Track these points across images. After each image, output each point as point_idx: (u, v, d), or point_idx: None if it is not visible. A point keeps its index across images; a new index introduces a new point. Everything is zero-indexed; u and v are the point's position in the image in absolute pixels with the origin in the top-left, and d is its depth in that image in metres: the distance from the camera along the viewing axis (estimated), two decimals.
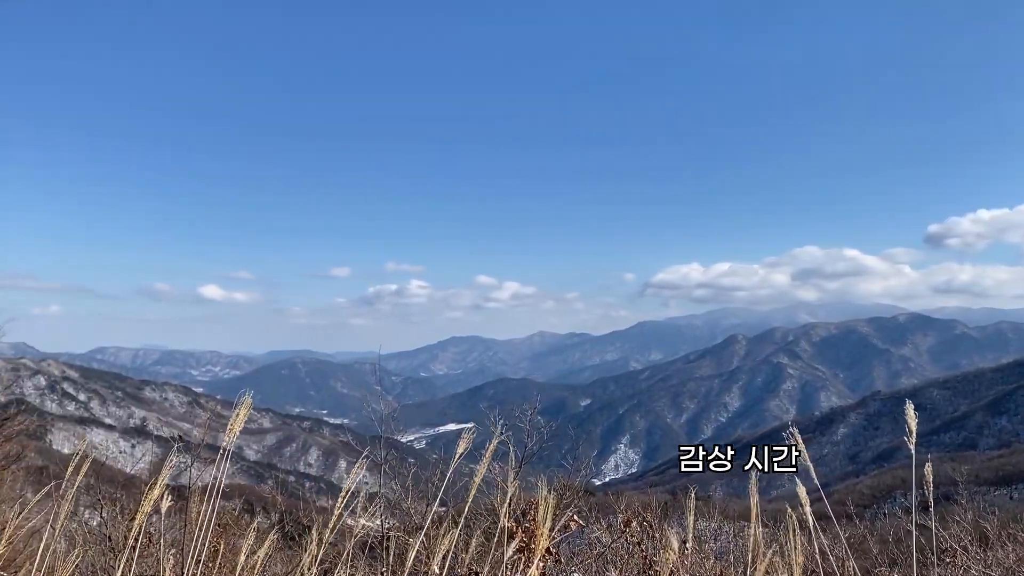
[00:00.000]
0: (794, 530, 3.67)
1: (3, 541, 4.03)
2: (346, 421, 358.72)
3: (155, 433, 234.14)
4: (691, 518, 4.18)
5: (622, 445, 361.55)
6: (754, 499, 3.53)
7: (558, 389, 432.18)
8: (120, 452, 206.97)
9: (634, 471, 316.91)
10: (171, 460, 4.12)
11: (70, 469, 3.67)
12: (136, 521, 3.25)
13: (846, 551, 6.17)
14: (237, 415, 3.33)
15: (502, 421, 8.43)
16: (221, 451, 3.50)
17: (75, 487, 3.58)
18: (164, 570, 3.69)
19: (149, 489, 3.41)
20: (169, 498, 3.83)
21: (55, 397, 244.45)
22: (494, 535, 4.03)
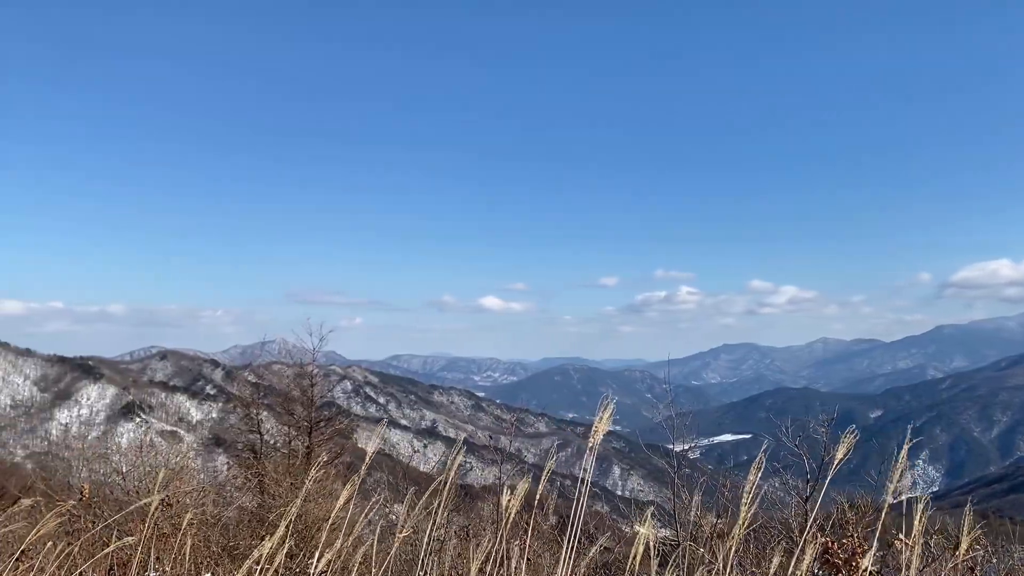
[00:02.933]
0: None
1: (327, 531, 4.47)
2: (618, 428, 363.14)
3: (443, 434, 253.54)
4: None
5: (920, 461, 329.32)
6: None
7: (844, 399, 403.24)
8: (415, 451, 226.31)
9: (935, 490, 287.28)
10: (455, 459, 4.31)
11: (425, 470, 3.96)
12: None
13: None
14: (600, 419, 3.41)
15: (787, 433, 7.97)
16: (589, 447, 3.58)
17: (418, 490, 3.85)
18: (469, 565, 3.87)
19: (443, 489, 3.58)
20: (461, 496, 4.03)
21: (359, 400, 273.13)
22: (791, 551, 3.77)
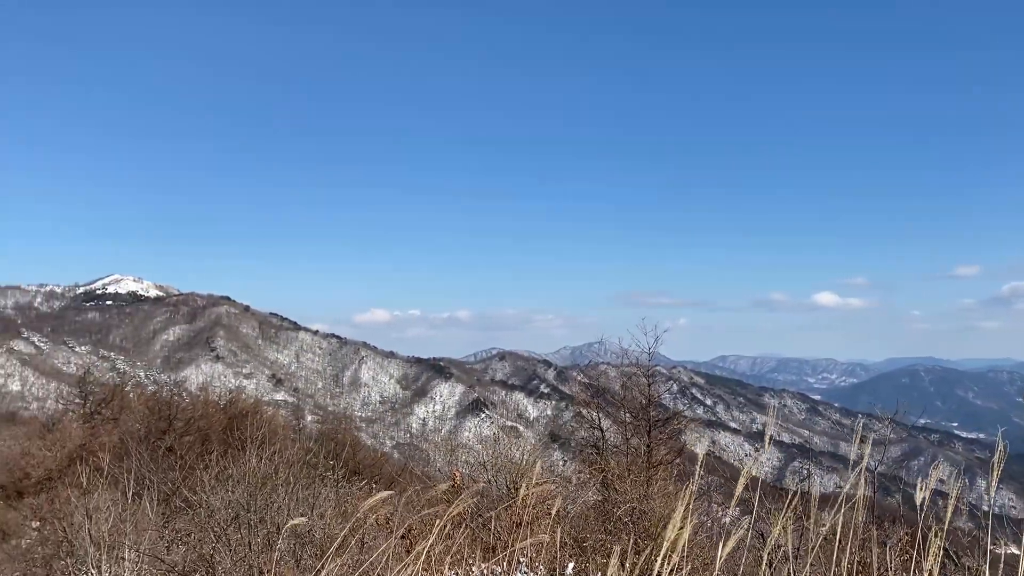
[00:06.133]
0: None
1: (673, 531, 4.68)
2: (982, 436, 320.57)
3: (776, 438, 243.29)
4: None
5: None
6: None
7: None
8: (745, 455, 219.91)
9: None
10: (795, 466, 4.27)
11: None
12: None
13: None
14: None
15: None
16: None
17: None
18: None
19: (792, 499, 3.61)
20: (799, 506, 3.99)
21: (685, 401, 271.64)
22: None
